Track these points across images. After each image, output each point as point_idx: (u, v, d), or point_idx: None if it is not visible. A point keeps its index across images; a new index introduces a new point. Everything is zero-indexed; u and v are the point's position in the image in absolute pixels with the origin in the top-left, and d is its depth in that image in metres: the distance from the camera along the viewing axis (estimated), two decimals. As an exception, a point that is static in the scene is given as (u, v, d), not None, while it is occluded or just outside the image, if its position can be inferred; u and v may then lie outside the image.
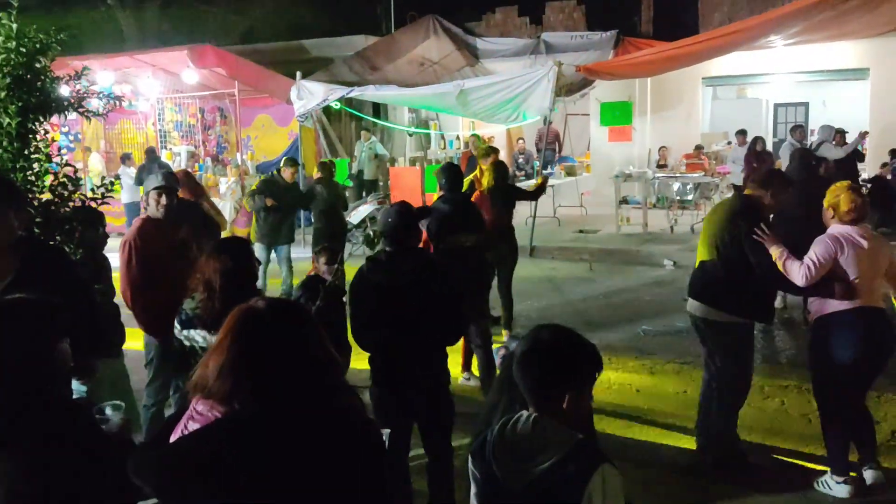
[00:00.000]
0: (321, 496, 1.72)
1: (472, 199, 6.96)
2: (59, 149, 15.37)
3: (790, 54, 13.47)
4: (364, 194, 14.22)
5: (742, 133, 13.03)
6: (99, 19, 20.90)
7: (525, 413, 2.09)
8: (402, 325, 3.59)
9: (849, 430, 4.40)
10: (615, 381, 6.31)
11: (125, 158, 13.80)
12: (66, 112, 3.86)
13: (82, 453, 1.87)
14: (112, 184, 3.94)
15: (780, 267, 4.28)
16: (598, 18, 15.77)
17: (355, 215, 12.13)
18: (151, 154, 13.21)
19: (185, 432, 1.77)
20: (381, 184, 14.76)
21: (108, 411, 2.21)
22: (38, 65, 3.72)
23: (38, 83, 3.72)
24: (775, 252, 4.30)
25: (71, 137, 16.12)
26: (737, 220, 4.45)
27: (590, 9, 15.86)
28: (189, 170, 10.12)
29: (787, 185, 4.63)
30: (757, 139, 12.36)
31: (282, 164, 9.18)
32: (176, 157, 14.88)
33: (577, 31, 15.65)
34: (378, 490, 1.85)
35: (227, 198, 13.84)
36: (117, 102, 4.25)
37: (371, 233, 11.70)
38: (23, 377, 1.98)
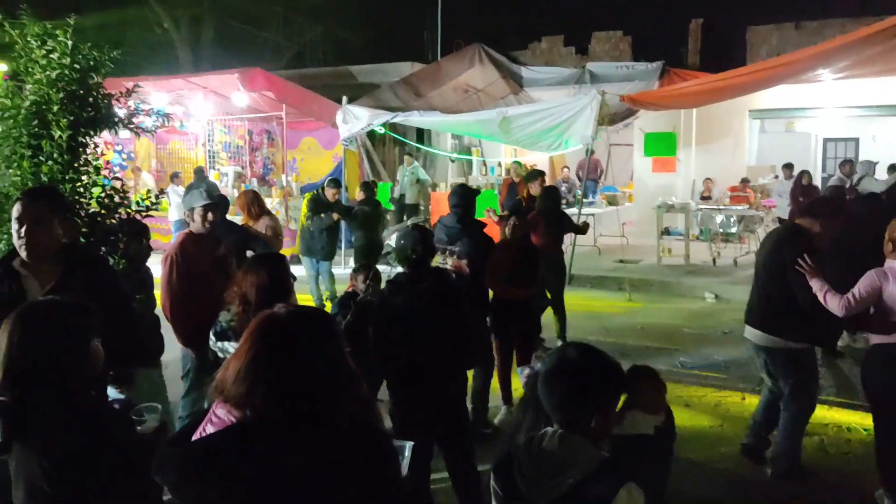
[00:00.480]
0: None
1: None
2: (112, 166, 15.90)
3: (840, 88, 13.26)
4: (405, 218, 14.33)
5: (788, 166, 12.84)
6: (155, 42, 21.60)
7: (551, 429, 2.09)
8: (420, 346, 3.62)
9: None
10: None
11: (174, 177, 14.16)
12: (117, 128, 3.99)
13: (112, 453, 1.91)
14: (157, 197, 4.05)
15: (820, 299, 4.26)
16: (644, 49, 15.78)
17: (394, 238, 12.20)
18: (199, 173, 13.52)
19: (203, 435, 1.80)
20: (422, 208, 14.86)
21: (145, 413, 2.27)
22: (90, 81, 3.86)
23: (91, 99, 3.86)
24: (815, 285, 4.31)
25: (124, 156, 16.63)
26: (782, 249, 4.53)
27: (636, 39, 15.87)
28: (250, 189, 10.43)
29: (837, 213, 4.63)
30: (803, 173, 12.17)
31: (325, 185, 9.44)
32: (224, 177, 15.21)
33: (622, 61, 15.67)
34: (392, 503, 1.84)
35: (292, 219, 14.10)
36: (166, 120, 4.38)
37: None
38: (54, 374, 2.04)
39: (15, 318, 2.12)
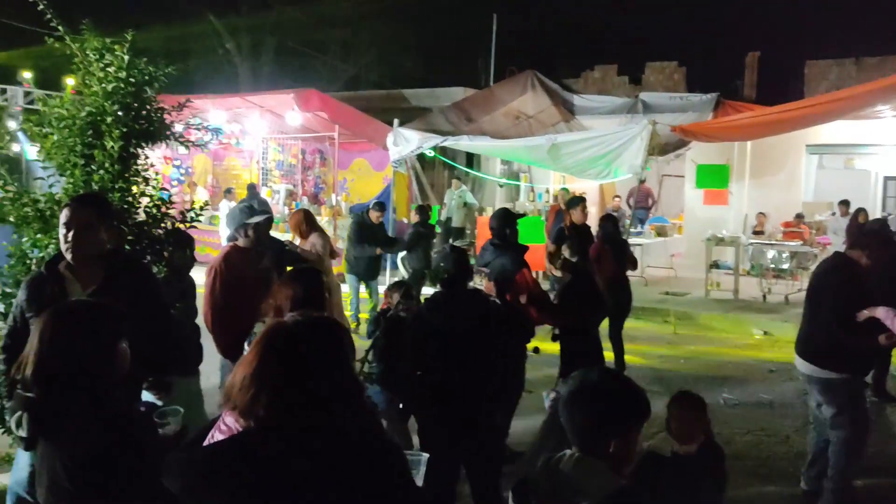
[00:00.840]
0: None
1: (591, 252, 7.08)
2: (170, 180, 16.33)
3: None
4: (451, 241, 14.37)
5: (845, 203, 12.52)
6: (217, 63, 22.25)
7: (569, 452, 2.07)
8: (454, 365, 3.61)
9: None
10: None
11: (227, 192, 14.49)
12: (168, 141, 4.12)
13: (134, 455, 1.95)
14: (202, 209, 4.15)
15: (889, 325, 4.21)
16: (699, 80, 15.63)
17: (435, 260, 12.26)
18: (252, 190, 13.81)
19: (211, 442, 1.81)
20: (468, 232, 14.89)
21: (168, 416, 2.31)
22: (144, 94, 4.00)
23: (144, 112, 3.99)
24: (881, 314, 4.25)
25: (182, 171, 17.09)
26: (826, 277, 4.59)
27: (691, 71, 15.72)
28: (301, 209, 10.70)
29: (886, 244, 4.62)
30: (859, 210, 11.83)
31: (370, 208, 9.64)
32: (276, 194, 15.51)
33: (676, 92, 15.53)
34: None
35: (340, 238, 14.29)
36: (215, 135, 4.50)
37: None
38: (81, 374, 2.10)
39: (46, 317, 2.20)
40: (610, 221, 8.29)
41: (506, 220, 6.20)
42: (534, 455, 2.28)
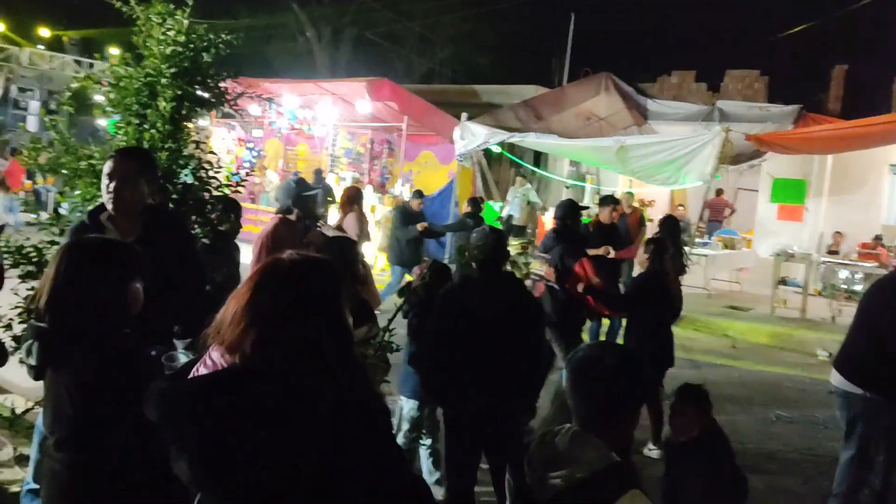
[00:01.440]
0: (297, 468, 1.57)
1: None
2: (242, 161, 16.73)
3: None
4: (511, 239, 14.28)
5: (928, 226, 11.88)
6: (297, 52, 22.67)
7: (568, 426, 2.02)
8: (482, 354, 3.53)
9: None
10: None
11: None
12: (220, 107, 4.19)
13: (132, 390, 1.96)
14: (248, 174, 4.21)
15: None
16: (780, 92, 15.09)
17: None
18: (318, 175, 14.03)
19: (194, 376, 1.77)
20: (528, 230, 14.76)
21: (181, 357, 2.31)
22: (201, 60, 4.08)
23: (199, 77, 4.07)
24: None
25: (254, 154, 17.48)
26: (883, 289, 4.35)
27: (773, 81, 15.18)
28: (354, 186, 11.08)
29: None
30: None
31: (412, 196, 10.32)
32: (342, 181, 15.70)
33: (756, 101, 15.05)
34: (374, 479, 1.64)
35: (382, 225, 14.41)
36: (269, 105, 4.56)
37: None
38: (92, 307, 2.14)
39: (63, 249, 2.25)
40: (672, 224, 7.87)
41: (569, 210, 6.44)
42: (543, 428, 2.24)
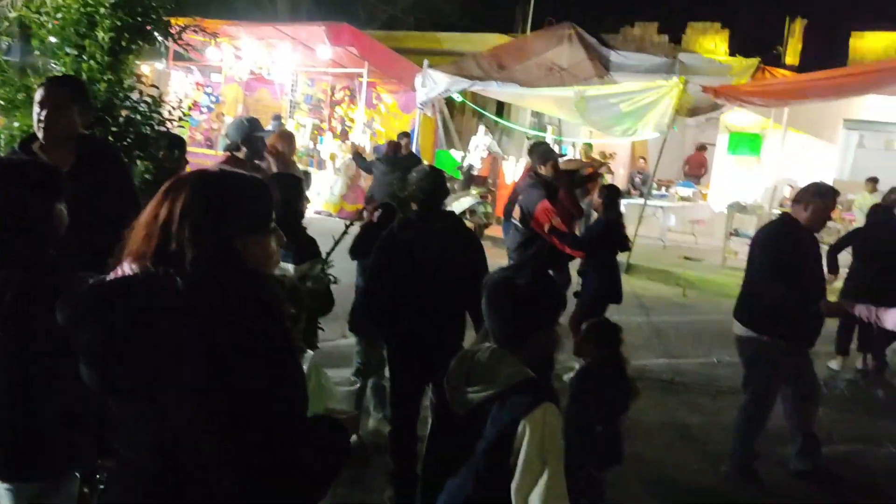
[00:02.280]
0: (180, 382, 1.55)
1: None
2: (200, 106, 16.38)
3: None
4: (471, 188, 14.30)
5: (872, 180, 12.19)
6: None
7: (487, 345, 2.09)
8: (426, 285, 3.60)
9: None
10: (671, 399, 6.10)
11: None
12: (160, 40, 4.11)
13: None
14: (190, 108, 4.15)
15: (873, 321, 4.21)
16: (740, 45, 15.16)
17: (457, 206, 12.20)
18: (277, 120, 13.84)
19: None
20: (490, 180, 14.79)
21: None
22: (143, -9, 3.99)
23: (139, 8, 3.98)
24: (861, 311, 4.24)
25: (212, 99, 17.13)
26: (765, 231, 4.70)
27: (733, 34, 15.25)
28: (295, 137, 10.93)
29: (825, 195, 4.47)
30: (893, 190, 11.50)
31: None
32: (302, 128, 15.52)
33: (717, 55, 15.11)
34: (258, 407, 1.59)
35: (342, 173, 14.33)
36: (213, 39, 4.48)
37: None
38: (16, 225, 2.14)
39: (-16, 170, 2.23)
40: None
41: (542, 156, 6.81)
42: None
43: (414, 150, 13.62)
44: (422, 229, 3.74)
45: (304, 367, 2.12)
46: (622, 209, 7.20)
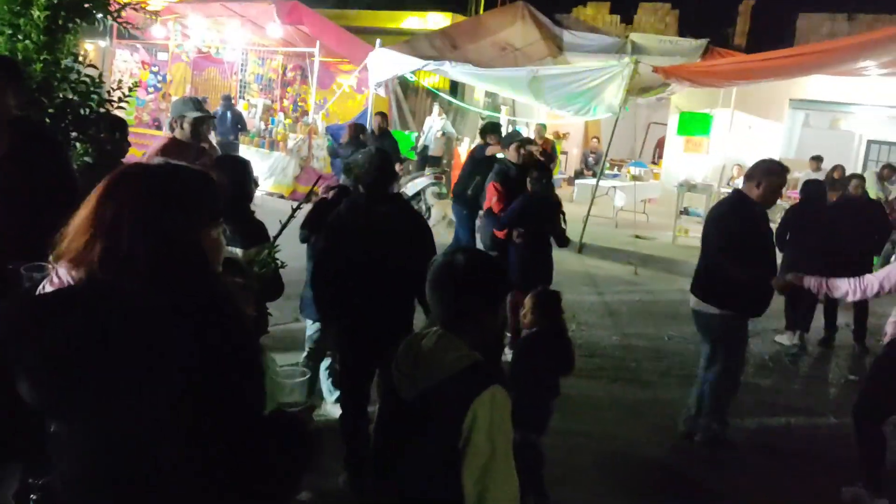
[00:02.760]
0: (144, 387, 1.44)
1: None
2: (146, 86, 15.99)
3: (888, 87, 12.80)
4: (426, 169, 14.26)
5: (816, 159, 12.51)
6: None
7: (434, 329, 2.09)
8: (372, 268, 3.58)
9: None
10: (622, 376, 6.20)
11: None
12: (99, 18, 3.97)
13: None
14: (130, 89, 4.04)
15: (820, 292, 4.33)
16: (690, 25, 15.34)
17: (411, 186, 12.18)
18: (227, 101, 13.58)
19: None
20: (444, 161, 14.77)
21: (36, 273, 2.22)
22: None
23: (76, -15, 3.85)
24: (812, 283, 4.32)
25: (159, 78, 16.74)
26: (719, 209, 4.81)
27: (683, 14, 15.42)
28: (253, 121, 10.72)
29: (776, 172, 4.56)
30: (836, 167, 11.81)
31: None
32: (252, 108, 15.25)
33: (667, 35, 15.28)
34: (233, 407, 1.53)
35: (294, 154, 14.13)
36: (154, 17, 4.35)
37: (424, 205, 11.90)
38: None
39: None
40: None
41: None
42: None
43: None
44: (368, 212, 3.72)
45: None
46: (562, 187, 7.23)
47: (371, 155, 3.77)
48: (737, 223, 4.51)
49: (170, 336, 1.47)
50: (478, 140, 16.12)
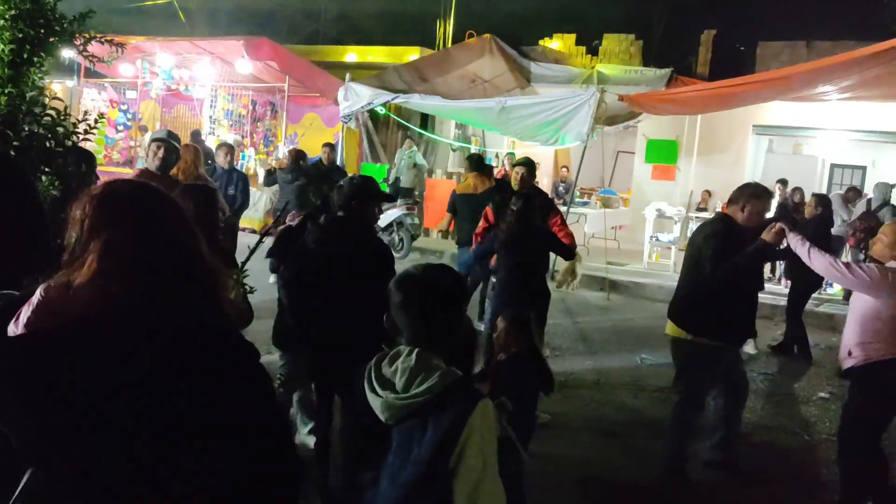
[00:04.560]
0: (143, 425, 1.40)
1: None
2: (116, 124, 15.94)
3: (849, 112, 13.15)
4: (398, 200, 14.31)
5: (783, 182, 12.77)
6: (171, 12, 21.68)
7: (404, 347, 2.07)
8: (338, 291, 3.58)
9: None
10: (597, 399, 6.21)
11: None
12: (60, 50, 3.98)
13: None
14: (96, 121, 4.03)
15: (803, 253, 4.19)
16: (654, 56, 15.69)
17: (384, 217, 12.20)
18: (196, 136, 13.56)
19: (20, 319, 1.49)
20: (416, 192, 14.85)
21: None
22: (43, 0, 3.86)
23: (42, 19, 3.85)
24: (794, 240, 4.25)
25: (129, 115, 16.69)
26: (703, 229, 4.66)
27: (647, 45, 15.76)
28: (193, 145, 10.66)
29: (757, 195, 4.51)
30: (796, 189, 12.08)
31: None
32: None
33: (632, 65, 15.59)
34: (255, 428, 1.52)
35: (265, 189, 14.12)
36: (119, 50, 4.36)
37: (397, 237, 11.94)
38: None
39: None
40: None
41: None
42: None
43: (339, 163, 13.59)
44: (329, 235, 3.73)
45: None
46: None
47: (347, 182, 3.82)
48: (724, 243, 4.38)
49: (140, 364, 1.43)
50: (452, 170, 16.29)
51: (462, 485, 1.92)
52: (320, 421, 3.83)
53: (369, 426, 2.07)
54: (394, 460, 2.01)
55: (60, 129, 3.84)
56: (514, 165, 7.14)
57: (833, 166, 17.89)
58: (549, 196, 15.86)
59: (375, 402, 2.03)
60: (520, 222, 6.09)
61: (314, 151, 15.70)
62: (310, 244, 3.74)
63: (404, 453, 1.99)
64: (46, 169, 3.94)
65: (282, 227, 4.68)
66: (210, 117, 15.30)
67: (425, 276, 2.08)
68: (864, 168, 17.74)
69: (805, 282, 7.94)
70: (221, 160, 8.30)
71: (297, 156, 10.38)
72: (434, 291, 2.07)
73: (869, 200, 11.36)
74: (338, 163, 12.79)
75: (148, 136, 16.15)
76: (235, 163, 14.47)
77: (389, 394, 2.00)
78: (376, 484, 2.05)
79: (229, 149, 8.55)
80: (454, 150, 17.05)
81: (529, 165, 6.99)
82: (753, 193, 4.52)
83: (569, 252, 6.25)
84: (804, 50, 14.29)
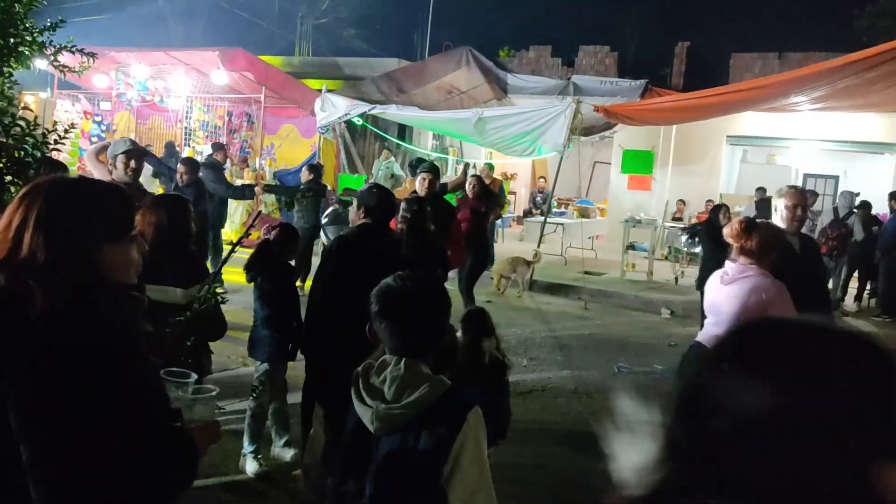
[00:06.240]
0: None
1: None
2: (90, 136, 15.77)
3: (821, 123, 13.36)
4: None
5: (761, 190, 12.95)
6: (149, 24, 21.59)
7: (391, 357, 2.04)
8: (355, 309, 3.57)
9: None
10: (574, 407, 6.21)
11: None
12: (31, 59, 3.92)
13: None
14: (66, 131, 3.97)
15: None
16: (629, 67, 15.85)
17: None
18: (170, 148, 13.46)
19: None
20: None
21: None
22: (14, 10, 3.81)
23: (11, 28, 3.80)
24: None
25: (103, 127, 16.51)
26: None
27: (622, 56, 15.93)
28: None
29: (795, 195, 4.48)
30: (758, 189, 12.28)
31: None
32: (198, 155, 15.10)
33: (607, 76, 15.74)
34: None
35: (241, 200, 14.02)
36: (91, 60, 4.31)
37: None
38: None
39: None
40: None
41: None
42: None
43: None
44: (359, 249, 3.78)
45: (188, 391, 2.03)
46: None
47: (369, 192, 3.85)
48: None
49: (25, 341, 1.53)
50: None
51: (460, 492, 1.91)
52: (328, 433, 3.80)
53: (354, 435, 2.05)
54: (382, 470, 1.99)
55: (30, 140, 3.77)
56: (419, 172, 7.16)
57: (806, 176, 18.16)
58: (528, 206, 15.92)
59: (364, 412, 2.00)
60: (410, 230, 6.13)
61: (291, 163, 15.69)
62: (340, 260, 3.74)
63: (394, 463, 1.97)
64: (16, 180, 3.89)
65: (259, 240, 4.68)
66: (185, 128, 15.18)
67: (405, 287, 2.07)
68: (836, 177, 18.03)
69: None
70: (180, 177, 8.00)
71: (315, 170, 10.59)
72: (417, 303, 2.05)
73: (836, 209, 11.55)
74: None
75: (110, 149, 16.06)
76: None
77: (380, 404, 1.98)
78: (361, 494, 2.03)
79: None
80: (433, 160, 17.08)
81: (436, 172, 7.27)
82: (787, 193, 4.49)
83: (445, 263, 6.37)
84: (776, 61, 14.51)
